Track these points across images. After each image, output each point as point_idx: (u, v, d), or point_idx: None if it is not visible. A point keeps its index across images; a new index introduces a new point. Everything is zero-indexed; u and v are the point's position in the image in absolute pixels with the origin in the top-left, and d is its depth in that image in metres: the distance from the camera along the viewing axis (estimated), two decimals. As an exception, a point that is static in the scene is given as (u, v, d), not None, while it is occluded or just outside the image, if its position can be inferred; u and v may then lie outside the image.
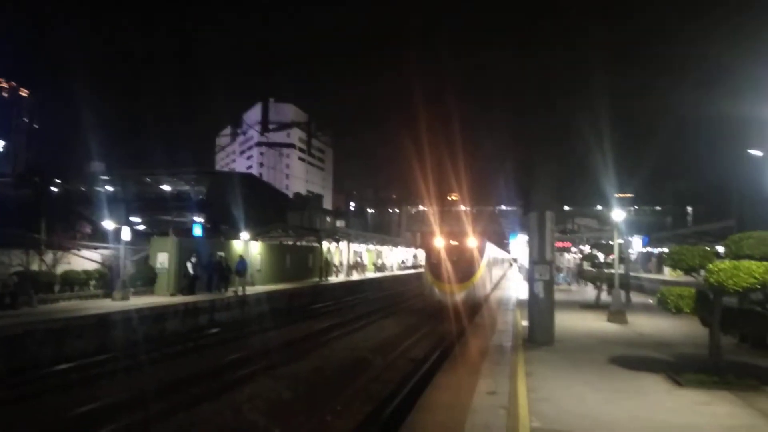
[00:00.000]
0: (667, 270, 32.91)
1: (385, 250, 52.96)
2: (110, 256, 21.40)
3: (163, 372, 12.04)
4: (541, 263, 11.77)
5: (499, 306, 20.52)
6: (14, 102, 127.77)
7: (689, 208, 57.95)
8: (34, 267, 19.18)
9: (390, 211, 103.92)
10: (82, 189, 46.40)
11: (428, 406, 7.33)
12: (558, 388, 7.71)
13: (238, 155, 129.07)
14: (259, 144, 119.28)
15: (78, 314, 14.93)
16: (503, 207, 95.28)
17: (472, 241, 22.45)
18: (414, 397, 8.44)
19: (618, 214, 18.49)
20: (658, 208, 70.70)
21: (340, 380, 11.89)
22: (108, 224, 20.63)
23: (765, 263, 7.48)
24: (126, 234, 19.59)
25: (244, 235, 26.89)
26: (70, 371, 12.12)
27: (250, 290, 23.37)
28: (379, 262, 50.42)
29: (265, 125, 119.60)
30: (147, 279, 21.03)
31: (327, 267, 34.35)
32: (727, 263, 7.62)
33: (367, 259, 46.36)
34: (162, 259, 21.17)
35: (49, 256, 19.97)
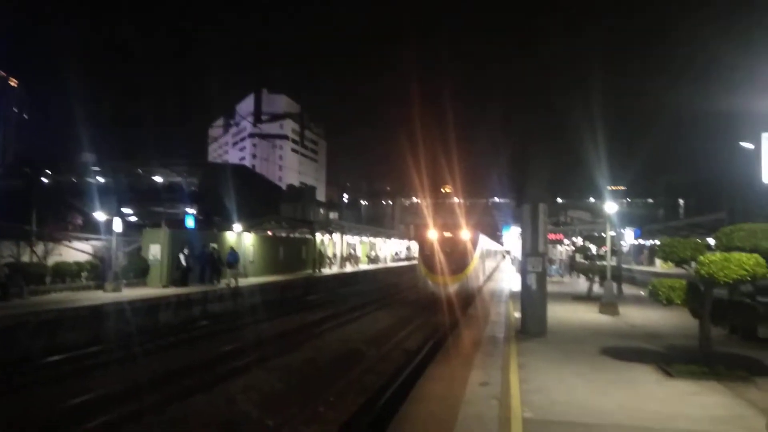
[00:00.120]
0: (658, 262, 33.17)
1: (379, 242, 53.03)
2: (102, 247, 21.29)
3: (156, 364, 12.01)
4: (533, 255, 11.82)
5: (492, 298, 20.63)
6: (3, 92, 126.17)
7: (681, 201, 58.41)
8: (25, 258, 19.05)
9: (384, 203, 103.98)
10: (73, 180, 46.11)
11: (421, 397, 7.36)
12: (550, 379, 7.76)
13: (231, 147, 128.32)
14: (252, 135, 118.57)
15: (70, 306, 14.85)
16: (496, 199, 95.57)
17: (465, 234, 22.53)
18: (407, 389, 8.48)
19: (610, 207, 18.61)
20: (650, 200, 71.22)
21: (334, 371, 11.93)
22: (99, 215, 20.51)
23: (755, 255, 7.54)
24: (118, 225, 19.47)
25: (237, 226, 26.79)
26: (63, 363, 12.07)
27: (244, 282, 23.33)
28: (373, 254, 50.48)
29: (258, 116, 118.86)
30: (139, 271, 20.93)
31: (320, 259, 34.35)
32: (718, 255, 7.67)
33: (360, 251, 46.40)
34: (154, 251, 21.06)
35: (40, 248, 19.85)
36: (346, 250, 41.39)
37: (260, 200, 45.33)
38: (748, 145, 9.62)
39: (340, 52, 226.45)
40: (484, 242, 26.99)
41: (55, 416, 8.69)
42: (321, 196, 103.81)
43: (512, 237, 42.43)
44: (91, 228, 24.33)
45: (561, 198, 74.68)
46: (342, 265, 38.71)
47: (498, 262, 46.87)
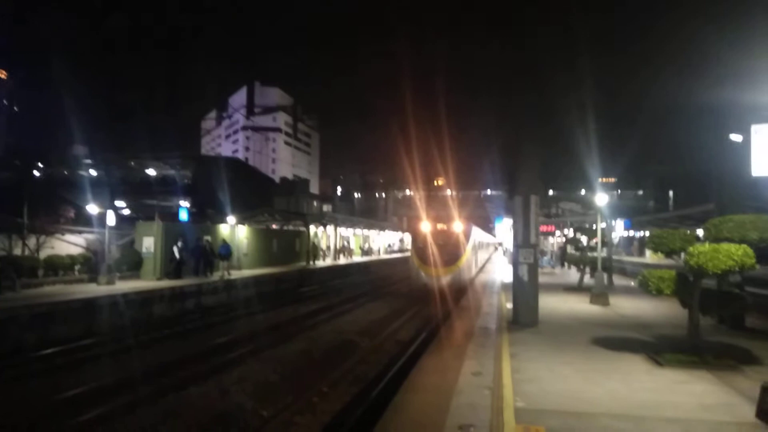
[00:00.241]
0: (648, 253, 33.47)
1: (372, 234, 53.08)
2: (95, 240, 21.23)
3: (150, 356, 12.02)
4: (525, 247, 11.89)
5: (485, 289, 20.74)
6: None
7: (671, 193, 58.74)
8: (17, 251, 18.96)
9: (377, 195, 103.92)
10: (65, 173, 45.70)
11: (414, 388, 7.41)
12: (541, 369, 7.84)
13: (224, 139, 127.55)
14: (244, 128, 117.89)
15: (62, 299, 14.80)
16: (489, 191, 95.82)
17: (457, 226, 22.59)
18: (400, 379, 8.55)
19: (601, 199, 18.72)
20: (641, 192, 71.56)
21: (327, 362, 11.98)
22: (92, 208, 20.41)
23: (743, 246, 7.63)
24: (111, 218, 19.39)
25: (231, 219, 26.73)
26: (56, 355, 12.04)
27: (237, 274, 23.33)
28: (366, 246, 50.55)
29: (250, 109, 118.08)
30: (133, 264, 20.88)
31: (314, 251, 34.36)
32: (707, 246, 7.75)
33: (354, 244, 46.45)
34: (148, 244, 21.01)
35: (32, 241, 19.76)
36: (340, 242, 41.42)
37: (253, 193, 45.15)
38: (737, 137, 9.71)
39: (327, 36, 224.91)
40: (477, 234, 27.10)
41: (48, 409, 8.69)
42: (314, 188, 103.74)
43: (504, 229, 42.59)
44: (83, 221, 24.20)
45: (553, 190, 74.95)
46: (335, 258, 38.76)
47: (490, 253, 47.07)
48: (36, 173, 41.70)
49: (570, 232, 37.07)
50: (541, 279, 13.89)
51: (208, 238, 23.28)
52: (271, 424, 8.39)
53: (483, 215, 69.69)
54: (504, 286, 20.08)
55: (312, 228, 35.32)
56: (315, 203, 74.14)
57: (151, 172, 45.80)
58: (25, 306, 13.51)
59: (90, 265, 19.95)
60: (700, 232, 11.70)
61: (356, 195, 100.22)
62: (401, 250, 57.50)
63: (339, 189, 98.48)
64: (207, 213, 33.55)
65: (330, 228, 39.03)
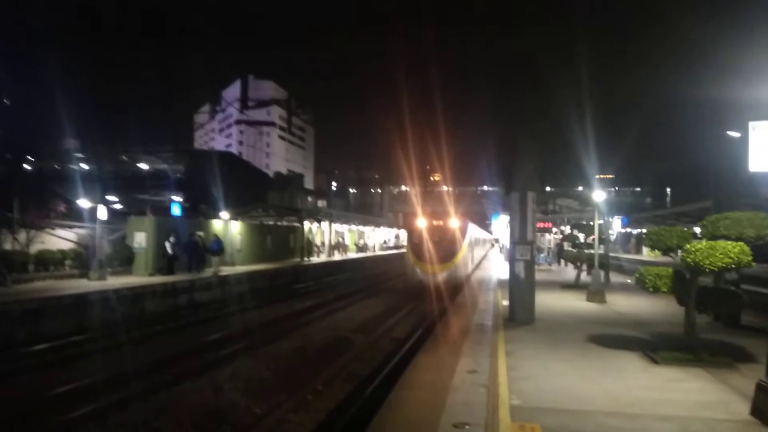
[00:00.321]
0: (645, 250, 33.51)
1: (368, 230, 52.98)
2: (86, 235, 20.99)
3: (142, 353, 11.89)
4: (522, 243, 11.83)
5: (481, 286, 20.71)
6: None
7: (668, 189, 58.91)
8: (7, 246, 18.72)
9: (372, 191, 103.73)
10: (56, 167, 45.21)
11: (409, 385, 7.37)
12: (537, 367, 7.80)
13: (217, 133, 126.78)
14: (238, 122, 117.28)
15: (53, 294, 14.63)
16: (485, 187, 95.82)
17: (453, 222, 22.53)
18: (395, 376, 8.48)
19: (598, 195, 18.67)
20: (638, 189, 71.67)
21: (321, 359, 11.91)
22: (83, 203, 20.18)
23: (740, 244, 7.60)
24: (102, 213, 19.18)
25: (224, 214, 26.56)
26: (47, 352, 11.91)
27: (231, 270, 23.19)
28: (361, 242, 50.46)
29: (244, 103, 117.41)
30: (124, 259, 20.68)
31: (308, 247, 34.24)
32: (703, 244, 7.73)
33: (349, 240, 46.33)
34: (140, 239, 20.81)
35: (22, 235, 19.52)
36: (335, 238, 41.29)
37: (247, 188, 44.88)
38: (734, 134, 9.66)
39: (327, 36, 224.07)
40: (473, 230, 27.06)
41: (39, 405, 8.58)
42: (309, 183, 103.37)
43: (501, 225, 42.55)
44: (74, 215, 23.92)
45: (550, 186, 75.03)
46: (330, 254, 38.64)
47: (487, 250, 47.09)
48: (26, 167, 41.27)
49: (567, 229, 37.08)
50: (538, 276, 13.85)
51: (200, 233, 23.10)
52: (265, 421, 8.31)
53: (479, 211, 69.79)
54: (500, 283, 20.03)
55: (306, 224, 35.18)
56: (309, 199, 73.91)
57: (143, 166, 45.44)
58: (16, 301, 13.35)
59: (81, 260, 19.72)
60: (697, 229, 11.66)
61: (351, 190, 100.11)
62: (397, 247, 57.44)
63: (334, 184, 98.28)
64: (200, 208, 33.30)
65: (325, 224, 38.88)
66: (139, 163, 45.46)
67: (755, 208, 9.06)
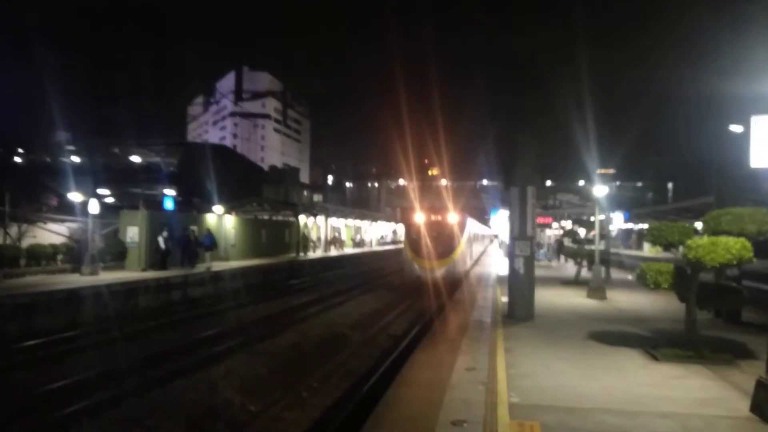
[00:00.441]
0: (646, 246, 33.47)
1: (364, 225, 52.81)
2: (78, 229, 20.79)
3: (135, 349, 11.74)
4: (521, 239, 11.72)
5: (479, 282, 20.59)
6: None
7: (670, 184, 58.74)
8: (-2, 240, 18.50)
9: (369, 185, 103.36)
10: (47, 160, 44.83)
11: (407, 382, 7.28)
12: (537, 364, 7.72)
13: (211, 126, 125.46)
14: (232, 114, 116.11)
15: (45, 289, 14.47)
16: (484, 182, 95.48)
17: (452, 217, 22.37)
18: (393, 374, 8.37)
19: (599, 190, 18.47)
20: (639, 184, 71.42)
21: (318, 356, 11.79)
22: (75, 196, 19.92)
23: (741, 239, 7.52)
24: (94, 207, 18.93)
25: (218, 208, 26.32)
26: (39, 347, 11.76)
27: (225, 266, 23.01)
28: (358, 237, 50.32)
29: (239, 94, 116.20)
30: (117, 253, 20.47)
31: (304, 242, 34.07)
32: (705, 239, 7.65)
33: (345, 235, 46.18)
34: (132, 233, 20.59)
35: (13, 230, 19.32)
36: (331, 233, 41.13)
37: (242, 182, 44.66)
38: (737, 128, 9.56)
39: (323, 27, 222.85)
40: (472, 226, 26.92)
41: (32, 402, 8.44)
42: (305, 177, 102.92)
43: (500, 220, 42.42)
44: (66, 209, 23.67)
45: (550, 181, 74.85)
46: (326, 249, 38.48)
47: (486, 245, 47.00)
48: (17, 160, 40.89)
49: (568, 224, 36.90)
50: (538, 272, 13.76)
51: (193, 228, 22.87)
52: (260, 419, 8.19)
53: (478, 206, 69.76)
54: (499, 279, 19.89)
55: (302, 218, 34.98)
56: (305, 193, 73.60)
57: (135, 159, 45.12)
58: (8, 296, 13.20)
59: (73, 254, 19.53)
60: (698, 225, 11.59)
61: (348, 185, 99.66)
62: (394, 242, 57.36)
63: (330, 178, 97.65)
64: (193, 202, 33.08)
65: (321, 218, 38.68)
66: (131, 156, 45.14)
67: (757, 203, 9.00)
